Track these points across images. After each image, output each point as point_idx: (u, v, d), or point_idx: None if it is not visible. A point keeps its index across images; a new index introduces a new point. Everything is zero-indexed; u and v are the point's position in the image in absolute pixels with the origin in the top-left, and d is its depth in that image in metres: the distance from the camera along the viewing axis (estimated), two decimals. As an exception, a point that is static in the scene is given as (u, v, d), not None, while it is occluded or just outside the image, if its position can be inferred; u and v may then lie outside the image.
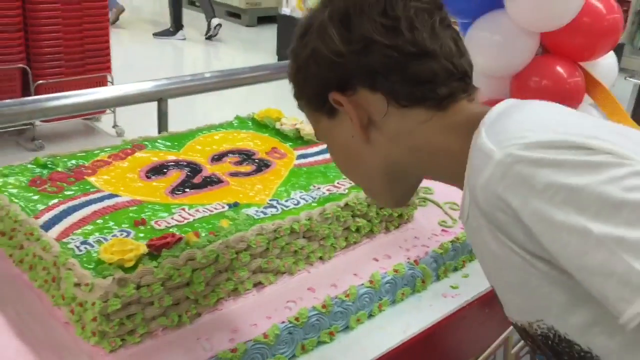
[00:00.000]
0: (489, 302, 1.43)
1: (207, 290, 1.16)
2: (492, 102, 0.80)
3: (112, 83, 4.32)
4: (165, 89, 1.91)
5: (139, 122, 3.46)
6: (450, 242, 1.47)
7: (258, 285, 1.25)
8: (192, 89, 1.99)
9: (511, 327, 1.55)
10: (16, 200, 1.25)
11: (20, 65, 3.98)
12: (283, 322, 1.15)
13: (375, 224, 1.45)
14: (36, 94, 4.04)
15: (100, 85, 4.28)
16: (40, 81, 4.07)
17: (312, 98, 0.90)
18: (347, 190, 1.43)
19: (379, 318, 1.30)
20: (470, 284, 1.43)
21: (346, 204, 1.37)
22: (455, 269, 1.48)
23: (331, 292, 1.26)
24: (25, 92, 4.04)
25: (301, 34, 0.87)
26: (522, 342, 1.62)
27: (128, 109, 4.18)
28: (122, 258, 1.05)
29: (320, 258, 1.36)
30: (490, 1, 1.92)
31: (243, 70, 2.14)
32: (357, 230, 1.41)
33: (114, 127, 4.42)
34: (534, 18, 1.87)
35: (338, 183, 1.46)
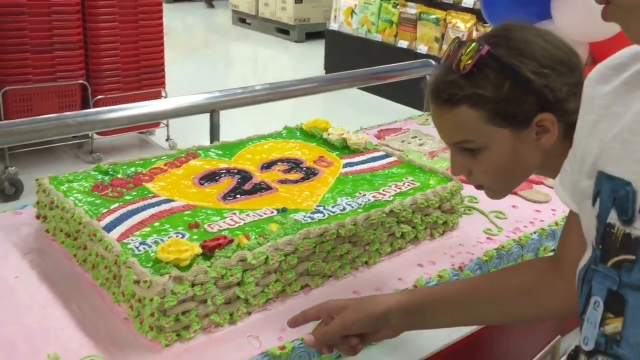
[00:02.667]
0: (534, 309, 1.43)
1: (257, 291, 1.21)
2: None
3: (165, 97, 4.48)
4: (218, 101, 1.99)
5: (191, 135, 3.58)
6: (495, 249, 1.49)
7: (305, 287, 1.29)
8: (243, 101, 2.06)
9: (559, 336, 1.55)
10: (80, 204, 1.34)
11: (81, 81, 4.17)
12: (329, 323, 1.19)
13: (420, 230, 1.48)
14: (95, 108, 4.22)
15: (155, 99, 4.45)
16: (99, 96, 4.25)
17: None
18: (392, 198, 1.46)
19: (424, 322, 1.32)
20: (515, 291, 1.44)
21: (391, 211, 1.40)
22: (500, 277, 1.49)
23: (376, 295, 1.29)
24: (85, 107, 4.22)
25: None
26: (569, 351, 1.62)
27: (180, 124, 4.33)
28: (178, 257, 1.12)
29: (366, 263, 1.39)
30: (538, 12, 1.93)
31: (292, 83, 2.21)
32: (402, 236, 1.45)
33: (167, 140, 4.56)
34: (581, 28, 1.88)
35: (383, 190, 1.50)
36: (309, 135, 1.84)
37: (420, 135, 2.18)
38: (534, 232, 1.59)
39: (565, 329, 1.58)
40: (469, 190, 1.70)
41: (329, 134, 1.78)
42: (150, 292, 1.08)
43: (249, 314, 1.21)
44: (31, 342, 1.10)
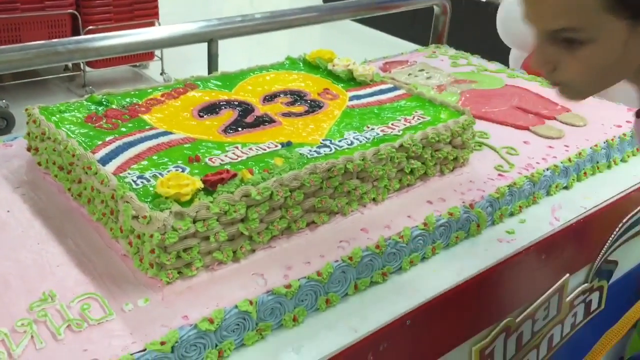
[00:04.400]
0: (545, 248, 1.40)
1: (262, 227, 1.15)
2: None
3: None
4: (216, 29, 1.88)
5: (187, 68, 3.46)
6: (507, 186, 1.43)
7: (311, 224, 1.24)
8: (242, 30, 1.96)
9: (567, 274, 1.52)
10: (73, 136, 1.27)
11: (70, 10, 4.01)
12: (336, 261, 1.15)
13: (430, 166, 1.42)
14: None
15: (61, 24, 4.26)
16: (90, 27, 4.10)
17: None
18: (401, 132, 1.39)
19: (432, 261, 1.28)
20: (526, 229, 1.40)
21: (401, 145, 1.34)
22: (512, 214, 1.44)
23: (384, 233, 1.25)
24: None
25: None
26: (577, 291, 1.59)
27: (175, 56, 4.20)
28: (178, 192, 1.05)
29: (374, 199, 1.34)
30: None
31: (293, 12, 2.10)
32: (411, 172, 1.39)
33: (161, 74, 4.45)
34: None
35: (392, 124, 1.43)
36: (313, 66, 1.75)
37: (428, 69, 2.10)
38: (547, 169, 1.53)
39: (574, 267, 1.56)
40: (479, 125, 1.64)
41: (334, 65, 1.70)
42: (150, 228, 1.02)
43: (253, 251, 1.16)
44: (25, 279, 1.05)
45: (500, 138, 1.66)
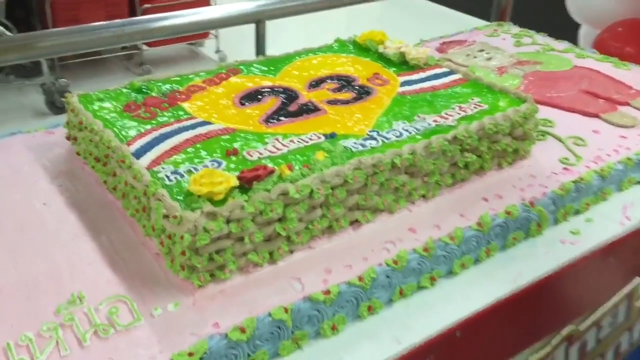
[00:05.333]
0: (614, 249, 1.27)
1: (300, 227, 1.08)
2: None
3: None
4: (264, 9, 1.80)
5: (242, 46, 3.41)
6: (573, 182, 1.31)
7: (354, 223, 1.16)
8: (292, 10, 1.87)
9: (637, 277, 1.39)
10: (109, 126, 1.22)
11: (127, -11, 4.01)
12: (380, 265, 1.07)
13: (487, 159, 1.31)
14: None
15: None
16: (147, 5, 4.10)
17: None
18: (455, 122, 1.28)
19: (487, 264, 1.18)
20: (593, 229, 1.28)
21: (454, 137, 1.23)
22: (577, 212, 1.32)
23: (434, 233, 1.15)
24: (132, 16, 4.09)
25: None
26: (649, 296, 1.46)
27: (230, 34, 4.14)
28: (211, 190, 0.99)
29: (423, 196, 1.24)
30: None
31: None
32: (466, 166, 1.28)
33: (216, 52, 4.42)
34: None
35: (446, 113, 1.32)
36: (363, 48, 1.65)
37: (488, 49, 1.96)
38: (618, 162, 1.39)
39: (645, 270, 1.42)
40: (543, 112, 1.51)
41: (385, 48, 1.59)
42: (181, 228, 0.96)
43: (291, 252, 1.09)
44: (56, 278, 1.01)
45: (566, 127, 1.52)
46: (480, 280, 1.15)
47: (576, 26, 2.88)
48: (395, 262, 1.07)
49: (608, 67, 1.85)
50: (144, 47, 4.32)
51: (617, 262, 1.30)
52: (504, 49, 1.97)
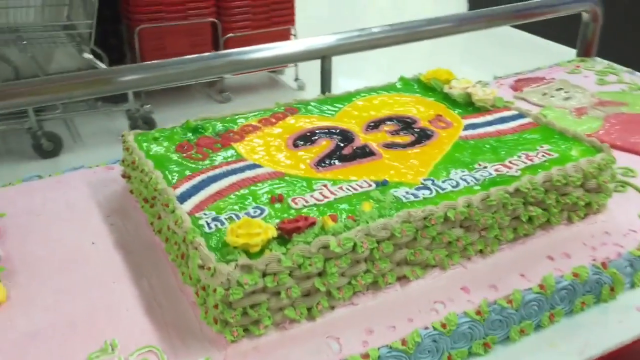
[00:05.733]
0: (701, 322, 1.12)
1: (342, 282, 1.02)
2: None
3: (295, 36, 4.33)
4: (328, 46, 1.77)
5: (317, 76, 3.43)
6: (653, 242, 1.17)
7: (402, 279, 1.09)
8: (358, 46, 1.83)
9: None
10: (160, 167, 1.21)
11: (211, 19, 4.12)
12: (427, 328, 0.99)
13: (554, 213, 1.20)
14: (225, 46, 4.19)
15: (284, 38, 4.32)
16: (229, 34, 4.20)
17: None
18: (519, 172, 1.19)
19: (550, 331, 1.07)
20: (676, 297, 1.14)
21: (517, 190, 1.13)
22: (658, 276, 1.18)
23: (489, 295, 1.06)
24: (215, 45, 4.20)
25: None
26: None
27: (309, 63, 4.18)
28: (247, 242, 0.95)
29: (481, 252, 1.15)
30: None
31: (416, 24, 1.93)
32: (530, 220, 1.18)
33: (295, 80, 4.45)
34: None
35: (510, 162, 1.23)
36: (428, 87, 1.58)
37: (568, 87, 1.83)
38: None
39: None
40: (625, 159, 1.38)
41: (450, 87, 1.51)
42: (214, 280, 0.93)
43: (332, 308, 1.03)
44: (92, 322, 1.00)
45: (649, 177, 1.38)
46: (542, 348, 1.04)
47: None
48: (443, 326, 0.99)
49: None
50: (226, 75, 4.42)
51: None
52: (586, 87, 1.84)
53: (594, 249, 1.18)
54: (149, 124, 4.00)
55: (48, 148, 3.53)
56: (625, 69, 2.01)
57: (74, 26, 3.60)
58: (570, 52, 2.31)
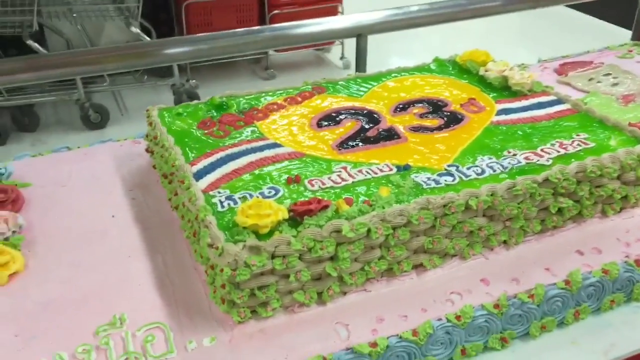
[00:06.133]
0: None
1: (355, 268, 0.99)
2: None
3: (342, 13, 4.27)
4: (364, 24, 1.72)
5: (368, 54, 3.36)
6: (693, 241, 1.10)
7: (419, 267, 1.05)
8: (395, 25, 1.78)
9: None
10: (180, 143, 1.20)
11: (258, -5, 4.11)
12: (440, 320, 0.95)
13: (587, 206, 1.13)
14: (271, 22, 4.16)
15: (331, 14, 4.25)
16: (275, 11, 4.17)
17: None
18: (550, 161, 1.13)
19: (574, 329, 1.03)
20: None
21: (546, 179, 1.08)
22: (695, 277, 1.11)
23: (510, 287, 1.02)
24: (261, 21, 4.18)
25: None
26: None
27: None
28: (256, 223, 0.93)
29: (505, 242, 1.10)
30: None
31: (456, 4, 1.85)
32: (559, 212, 1.12)
33: (341, 58, 4.39)
34: None
35: (542, 150, 1.16)
36: (463, 69, 1.52)
37: (617, 72, 1.73)
38: None
39: None
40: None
41: (486, 70, 1.45)
42: (222, 260, 0.91)
43: (344, 293, 1.01)
44: (104, 296, 1.01)
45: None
46: (564, 346, 0.99)
47: None
48: (458, 318, 0.95)
49: None
50: (271, 51, 4.40)
51: None
52: (637, 73, 1.73)
53: (628, 245, 1.11)
54: (194, 98, 4.00)
55: (95, 120, 3.60)
56: (682, 54, 1.88)
57: (123, 0, 3.64)
58: (627, 35, 2.19)
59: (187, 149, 1.19)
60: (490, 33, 4.57)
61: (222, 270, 0.91)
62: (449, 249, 1.05)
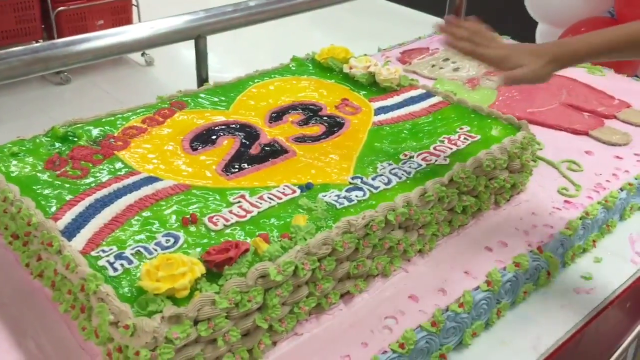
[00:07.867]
0: (631, 294, 1.13)
1: (284, 312, 0.87)
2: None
3: (136, 7, 3.96)
4: (203, 23, 1.56)
5: (171, 48, 3.12)
6: (580, 218, 1.15)
7: (345, 295, 0.96)
8: (235, 22, 1.64)
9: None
10: (29, 193, 0.96)
11: (38, -9, 3.63)
12: (385, 352, 0.87)
13: (484, 200, 1.14)
14: (57, 21, 3.72)
15: (123, 11, 3.93)
16: (61, 7, 3.73)
17: None
18: (448, 160, 1.10)
19: (499, 329, 1.01)
20: (605, 271, 1.13)
21: (451, 180, 1.05)
22: (584, 251, 1.17)
23: (439, 300, 0.97)
24: (45, 19, 3.72)
25: None
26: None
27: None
28: (172, 287, 0.76)
29: (419, 251, 1.06)
30: None
31: (293, -4, 1.77)
32: (464, 211, 1.10)
33: (142, 55, 4.08)
34: None
35: (435, 149, 1.14)
36: (325, 68, 1.44)
37: (454, 57, 1.79)
38: (620, 189, 1.25)
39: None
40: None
41: (351, 67, 1.39)
42: (136, 341, 0.73)
43: (274, 344, 0.88)
44: (-31, 415, 0.77)
45: (556, 148, 1.37)
46: (496, 349, 0.97)
47: (532, 24, 2.77)
48: (401, 346, 0.88)
49: (582, 72, 1.73)
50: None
51: (633, 305, 1.16)
52: (470, 56, 1.80)
53: (526, 233, 1.13)
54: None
55: None
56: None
57: None
58: (432, 20, 2.27)
59: (39, 199, 0.95)
60: (306, 32, 4.56)
61: (137, 353, 0.73)
62: (372, 270, 0.98)
